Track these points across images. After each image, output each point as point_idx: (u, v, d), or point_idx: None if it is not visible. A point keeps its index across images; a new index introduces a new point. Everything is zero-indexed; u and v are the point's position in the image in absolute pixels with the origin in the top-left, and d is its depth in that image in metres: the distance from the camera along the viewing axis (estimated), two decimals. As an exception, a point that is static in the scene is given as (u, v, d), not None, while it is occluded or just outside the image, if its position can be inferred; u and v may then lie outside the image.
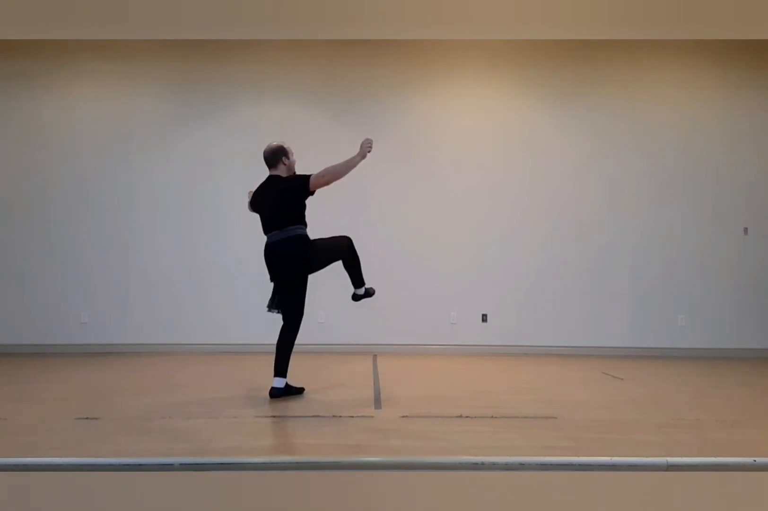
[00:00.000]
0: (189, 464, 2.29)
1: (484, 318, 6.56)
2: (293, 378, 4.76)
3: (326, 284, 6.48)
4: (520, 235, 6.58)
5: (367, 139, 3.78)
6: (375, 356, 6.12)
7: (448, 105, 6.64)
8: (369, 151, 3.76)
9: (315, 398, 3.88)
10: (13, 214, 6.49)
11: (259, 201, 4.01)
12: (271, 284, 3.99)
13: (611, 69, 6.65)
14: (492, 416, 3.31)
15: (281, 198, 3.87)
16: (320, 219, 6.50)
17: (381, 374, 4.98)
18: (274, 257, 3.89)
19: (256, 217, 6.50)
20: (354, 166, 3.77)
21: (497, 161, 6.62)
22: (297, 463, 2.34)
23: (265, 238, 3.99)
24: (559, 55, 6.60)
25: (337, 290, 6.47)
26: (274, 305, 3.96)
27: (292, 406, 3.57)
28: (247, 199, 4.31)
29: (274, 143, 4.00)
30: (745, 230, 6.59)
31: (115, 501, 2.02)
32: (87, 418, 3.19)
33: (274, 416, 3.27)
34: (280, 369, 3.86)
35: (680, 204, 6.61)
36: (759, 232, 6.59)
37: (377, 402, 3.72)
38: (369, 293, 4.23)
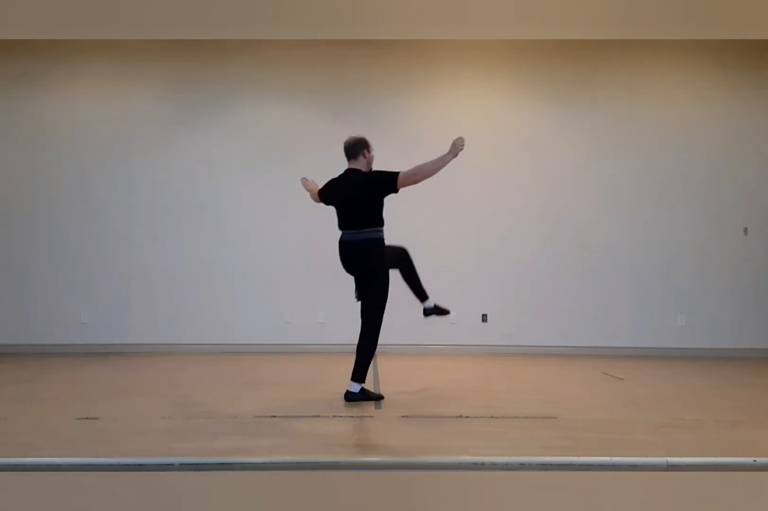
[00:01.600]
0: (189, 464, 2.29)
1: (484, 318, 6.56)
2: (297, 377, 4.77)
3: (326, 285, 6.49)
4: (520, 235, 6.58)
5: (460, 138, 3.60)
6: (375, 355, 6.11)
7: (448, 105, 6.64)
8: (461, 150, 3.60)
9: (315, 398, 3.87)
10: (13, 214, 6.49)
11: (336, 194, 3.86)
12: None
13: (611, 69, 6.65)
14: (492, 416, 3.31)
15: (364, 193, 3.73)
16: (320, 219, 6.53)
17: (381, 374, 4.98)
18: (350, 256, 3.80)
19: (256, 218, 6.54)
20: (445, 165, 3.61)
21: (497, 161, 6.62)
22: (297, 463, 2.34)
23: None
24: (559, 55, 6.60)
25: (337, 290, 6.48)
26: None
27: (293, 406, 3.57)
28: (300, 185, 4.20)
29: (356, 135, 3.88)
30: (745, 230, 6.59)
31: (115, 501, 2.02)
32: (87, 418, 3.18)
33: (274, 416, 3.27)
34: (357, 374, 3.75)
35: (680, 204, 6.61)
36: (759, 232, 6.59)
37: (377, 402, 3.72)
38: (441, 311, 4.06)
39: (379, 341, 6.33)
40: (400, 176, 3.66)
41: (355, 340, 6.64)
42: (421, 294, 4.07)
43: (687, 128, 6.64)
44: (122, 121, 6.58)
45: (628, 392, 4.25)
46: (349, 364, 5.57)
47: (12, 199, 6.50)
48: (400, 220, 6.52)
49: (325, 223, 6.52)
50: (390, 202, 6.80)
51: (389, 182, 3.68)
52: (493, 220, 6.57)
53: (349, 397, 3.72)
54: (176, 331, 6.40)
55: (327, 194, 3.96)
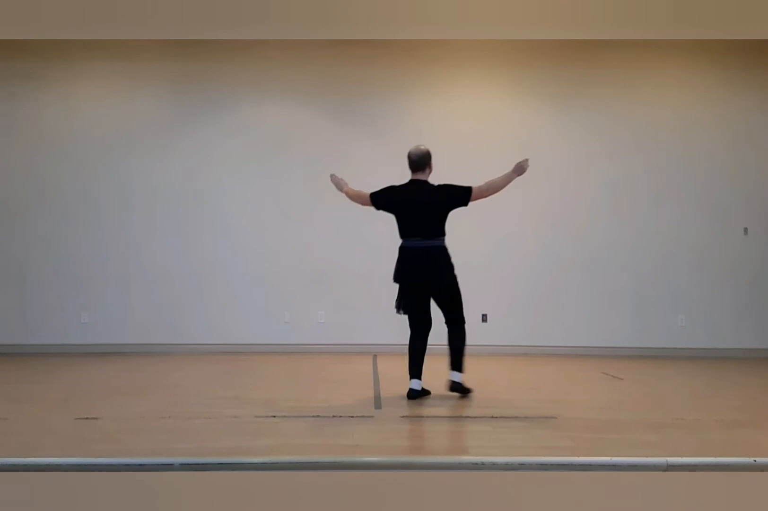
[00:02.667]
0: (189, 464, 2.29)
1: (484, 318, 6.55)
2: (297, 377, 4.77)
3: (326, 285, 6.50)
4: (520, 236, 6.57)
5: (526, 160, 3.91)
6: (375, 356, 6.12)
7: (449, 105, 6.64)
8: (526, 170, 3.92)
9: (315, 398, 3.87)
10: (13, 214, 6.49)
11: (401, 202, 3.93)
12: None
13: (611, 69, 6.65)
14: (492, 416, 3.31)
15: (439, 206, 3.86)
16: (321, 219, 6.54)
17: (381, 374, 4.98)
18: (422, 263, 3.84)
19: (256, 218, 6.53)
20: (510, 182, 3.92)
21: (497, 161, 6.59)
22: (297, 463, 2.34)
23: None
24: (559, 55, 6.60)
25: (337, 291, 6.49)
26: (402, 306, 3.99)
27: (292, 406, 3.57)
28: (331, 183, 4.26)
29: (422, 147, 3.98)
30: (745, 230, 6.59)
31: (115, 501, 2.02)
32: (87, 418, 3.19)
33: (274, 416, 3.27)
34: (461, 366, 3.95)
35: (680, 204, 6.61)
36: (759, 232, 6.59)
37: (377, 402, 3.72)
38: (465, 390, 3.94)
39: (379, 341, 6.39)
40: (473, 192, 3.87)
41: (356, 340, 6.65)
42: (458, 364, 3.97)
43: (687, 128, 6.64)
44: (122, 121, 6.58)
45: (628, 392, 4.25)
46: (349, 364, 5.57)
47: (12, 199, 6.49)
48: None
49: (326, 224, 6.54)
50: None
51: (464, 197, 3.88)
52: (493, 221, 6.57)
53: (455, 387, 3.86)
54: (176, 331, 6.40)
55: (386, 200, 4.01)
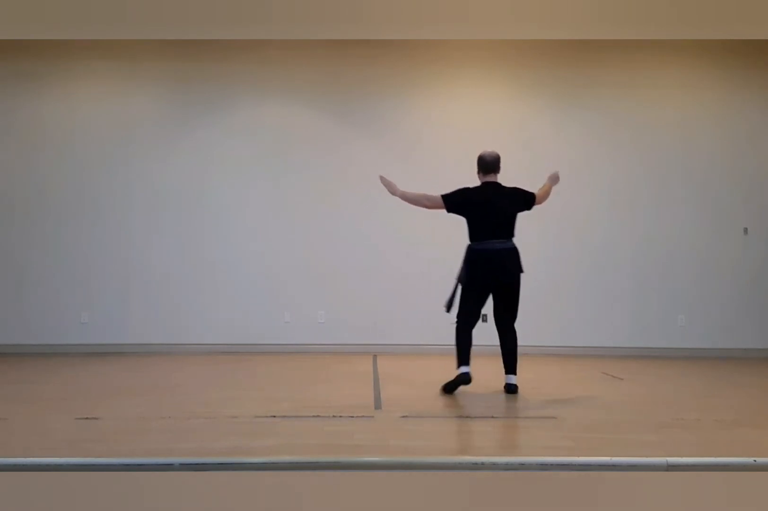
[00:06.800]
0: (189, 464, 2.29)
1: (484, 318, 6.53)
2: (297, 377, 4.77)
3: (326, 285, 6.50)
4: (520, 236, 6.54)
5: (557, 172, 4.35)
6: (375, 356, 6.11)
7: (449, 105, 6.64)
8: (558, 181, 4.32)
9: (315, 397, 3.87)
10: (13, 213, 6.49)
11: (482, 205, 4.02)
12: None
13: (611, 69, 6.64)
14: (492, 416, 3.31)
15: (515, 209, 4.10)
16: (320, 219, 6.54)
17: (381, 374, 4.98)
18: (504, 263, 4.02)
19: (256, 218, 6.53)
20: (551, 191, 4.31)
21: (497, 161, 6.61)
22: (297, 463, 2.34)
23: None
24: (559, 55, 6.60)
25: (337, 291, 6.49)
26: (465, 307, 4.29)
27: (292, 406, 3.57)
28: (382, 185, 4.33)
29: (492, 150, 4.15)
30: (745, 230, 6.58)
31: (115, 501, 2.02)
32: (87, 418, 3.19)
33: (274, 416, 3.27)
34: (515, 368, 4.17)
35: (680, 204, 6.61)
36: (759, 232, 6.59)
37: (377, 402, 3.72)
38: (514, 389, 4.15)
39: (379, 341, 6.39)
40: (536, 199, 4.18)
41: (356, 340, 6.64)
42: (514, 366, 4.24)
43: (686, 128, 6.64)
44: (122, 121, 6.58)
45: (628, 392, 4.25)
46: (349, 364, 5.57)
47: (12, 198, 6.49)
48: (401, 221, 6.53)
49: (326, 224, 6.54)
50: (391, 202, 6.86)
51: (532, 201, 4.16)
52: (493, 220, 6.56)
53: (514, 389, 4.07)
54: (176, 331, 6.40)
55: (462, 203, 4.08)
